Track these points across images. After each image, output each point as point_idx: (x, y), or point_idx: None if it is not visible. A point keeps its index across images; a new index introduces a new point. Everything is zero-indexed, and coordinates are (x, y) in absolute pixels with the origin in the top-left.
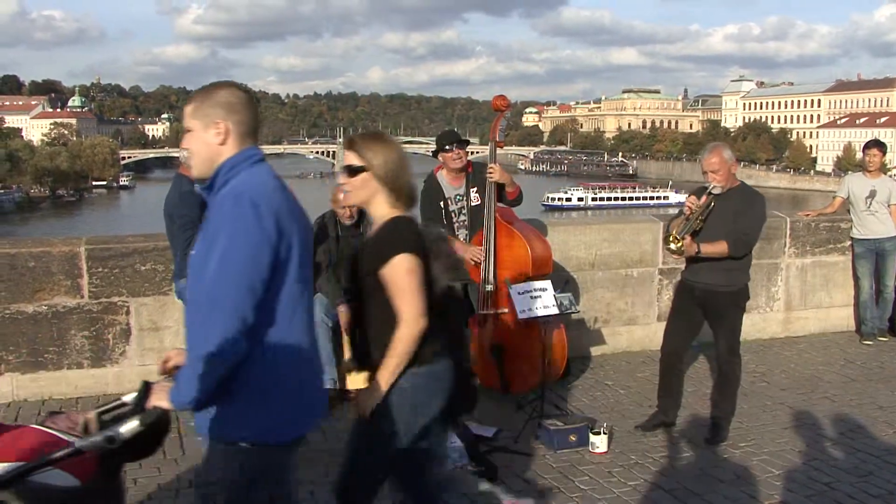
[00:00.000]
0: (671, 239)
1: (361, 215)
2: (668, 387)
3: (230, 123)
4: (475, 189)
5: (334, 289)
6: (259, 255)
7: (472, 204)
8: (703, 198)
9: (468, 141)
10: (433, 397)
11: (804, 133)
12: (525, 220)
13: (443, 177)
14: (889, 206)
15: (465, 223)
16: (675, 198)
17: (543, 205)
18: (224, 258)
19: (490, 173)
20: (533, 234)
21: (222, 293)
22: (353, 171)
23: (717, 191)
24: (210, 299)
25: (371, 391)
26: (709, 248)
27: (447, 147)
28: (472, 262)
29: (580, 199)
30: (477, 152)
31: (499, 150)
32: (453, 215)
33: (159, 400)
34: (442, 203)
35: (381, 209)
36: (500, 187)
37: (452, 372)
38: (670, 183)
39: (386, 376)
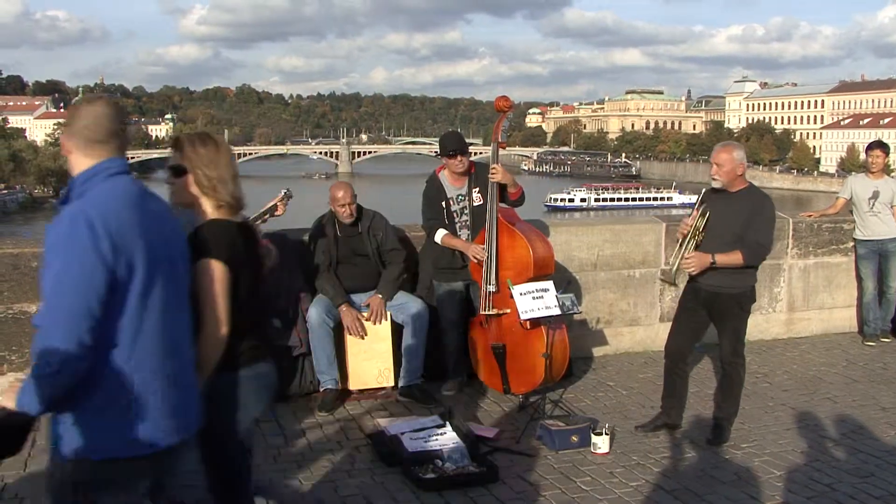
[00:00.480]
0: (665, 279)
1: (360, 214)
2: (672, 388)
3: (69, 136)
4: (477, 189)
5: (335, 289)
6: (94, 276)
7: (475, 204)
8: (694, 212)
9: (470, 145)
10: (255, 398)
11: (808, 134)
12: (527, 220)
13: (445, 177)
14: (892, 207)
15: (468, 223)
16: (678, 198)
17: (546, 205)
18: (58, 280)
19: (492, 174)
20: (535, 234)
21: (56, 314)
22: (177, 171)
23: (716, 184)
24: (45, 319)
25: None
26: (723, 259)
27: (451, 152)
28: (475, 261)
29: (583, 200)
30: (480, 153)
31: (501, 151)
32: (455, 215)
33: (7, 400)
34: (444, 203)
35: (206, 212)
36: (502, 188)
37: (273, 372)
38: (674, 184)
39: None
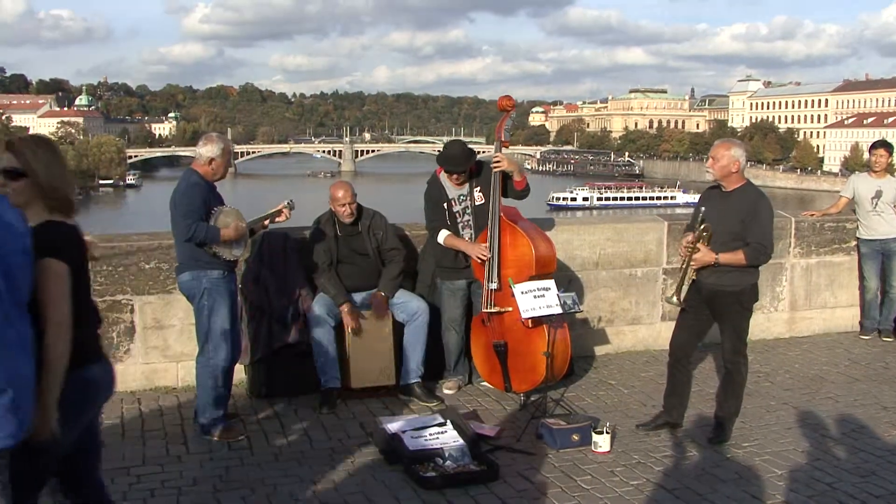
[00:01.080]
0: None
1: (360, 213)
2: (675, 387)
3: None
4: (479, 189)
5: (336, 288)
6: None
7: (476, 203)
8: (691, 236)
9: (473, 144)
10: (92, 399)
11: (811, 133)
12: (529, 219)
13: (445, 178)
14: (895, 206)
15: (470, 223)
16: (682, 198)
17: (549, 204)
18: None
19: (496, 163)
20: (537, 233)
21: None
22: (12, 174)
23: (709, 176)
24: None
25: (45, 415)
26: (727, 258)
27: (448, 172)
28: (479, 260)
29: (585, 199)
30: (483, 152)
31: (504, 150)
32: (457, 216)
33: None
34: (445, 204)
35: (39, 215)
36: (505, 182)
37: (109, 373)
38: (678, 183)
39: (52, 396)
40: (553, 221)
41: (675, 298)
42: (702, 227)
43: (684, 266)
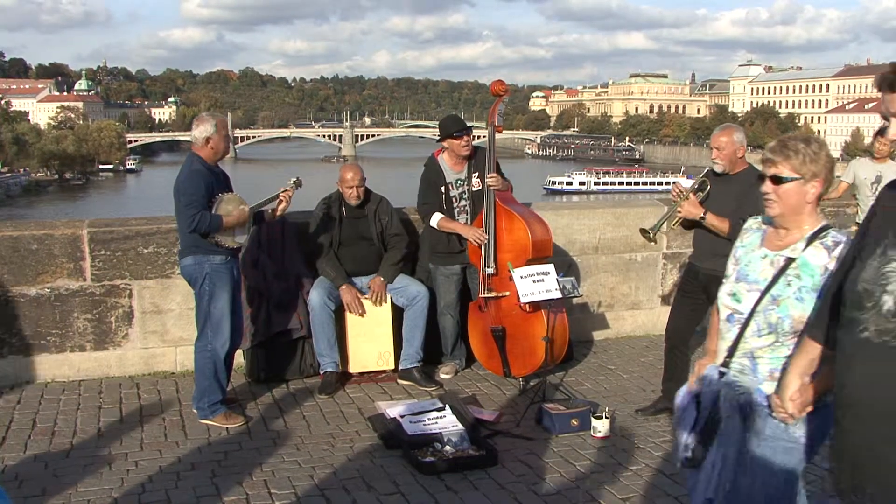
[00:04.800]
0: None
1: (368, 197)
2: (673, 371)
3: None
4: (477, 174)
5: (336, 270)
6: None
7: (474, 189)
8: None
9: (474, 128)
10: None
11: (812, 118)
12: (531, 203)
13: (444, 161)
14: None
15: (466, 208)
16: (686, 184)
17: (545, 188)
18: None
19: (491, 181)
20: (532, 217)
21: None
22: None
23: (717, 168)
24: None
25: None
26: (713, 220)
27: (456, 133)
28: (476, 244)
29: (582, 184)
30: (483, 136)
31: (501, 135)
32: (454, 200)
33: None
34: (443, 188)
35: None
36: (498, 170)
37: None
38: (682, 168)
39: None
40: (548, 205)
41: (649, 232)
42: (700, 177)
43: (671, 209)
